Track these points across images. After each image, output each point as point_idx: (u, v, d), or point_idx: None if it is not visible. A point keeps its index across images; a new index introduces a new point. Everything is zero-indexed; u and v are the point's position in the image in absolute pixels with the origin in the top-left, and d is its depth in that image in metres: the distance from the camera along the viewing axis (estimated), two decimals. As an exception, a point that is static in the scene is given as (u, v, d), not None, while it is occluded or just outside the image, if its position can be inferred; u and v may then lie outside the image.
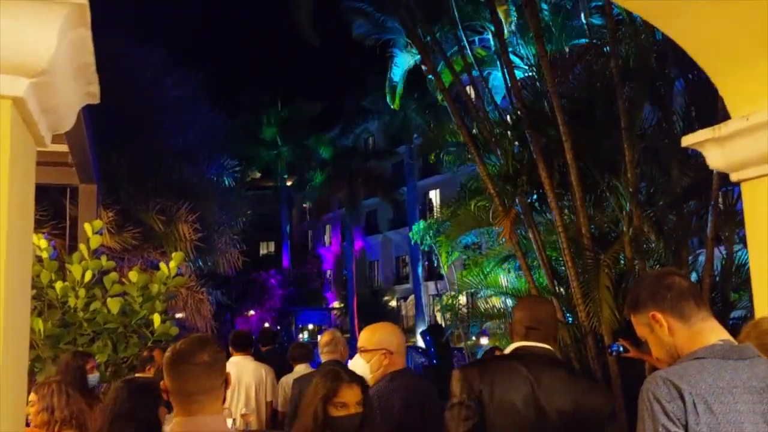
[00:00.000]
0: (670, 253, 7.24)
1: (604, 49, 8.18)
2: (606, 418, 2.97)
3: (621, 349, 5.44)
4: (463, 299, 14.15)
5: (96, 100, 2.43)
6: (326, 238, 47.28)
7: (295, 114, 38.63)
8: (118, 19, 13.81)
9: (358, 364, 3.35)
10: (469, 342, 17.00)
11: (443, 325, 19.42)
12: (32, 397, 3.80)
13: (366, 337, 3.40)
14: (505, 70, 8.88)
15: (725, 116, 3.18)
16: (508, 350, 3.17)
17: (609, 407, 3.01)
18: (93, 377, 5.27)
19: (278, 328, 35.33)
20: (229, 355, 6.61)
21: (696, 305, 2.11)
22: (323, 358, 5.55)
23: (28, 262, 2.23)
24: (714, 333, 2.09)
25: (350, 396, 2.76)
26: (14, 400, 1.99)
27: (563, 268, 7.54)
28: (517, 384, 2.92)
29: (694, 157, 7.02)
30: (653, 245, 7.36)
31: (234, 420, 5.82)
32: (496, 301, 9.67)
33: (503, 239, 8.09)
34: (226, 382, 2.30)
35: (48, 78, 1.90)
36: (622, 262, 7.08)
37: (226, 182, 18.91)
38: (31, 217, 2.23)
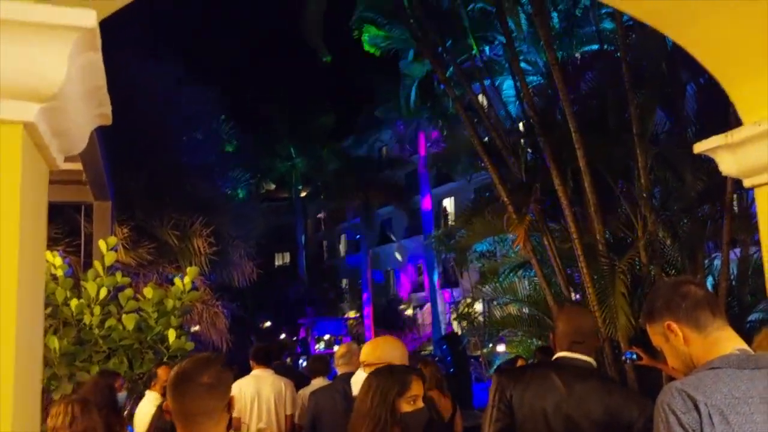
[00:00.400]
0: (685, 257, 7.20)
1: (615, 54, 8.16)
2: (639, 429, 2.94)
3: (634, 356, 5.47)
4: (479, 307, 14.09)
5: (108, 122, 2.44)
6: (341, 248, 47.34)
7: (309, 125, 38.77)
8: (129, 37, 13.92)
9: (361, 378, 3.35)
10: (485, 350, 16.93)
11: (459, 333, 19.37)
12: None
13: (368, 351, 3.40)
14: (516, 78, 8.88)
15: (737, 120, 3.15)
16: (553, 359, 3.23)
17: (642, 419, 2.94)
18: (121, 395, 5.33)
19: (294, 339, 35.33)
20: (250, 369, 6.65)
21: (712, 314, 2.08)
22: (339, 371, 5.54)
23: (40, 283, 2.25)
24: (730, 342, 2.05)
25: (419, 389, 2.69)
26: (28, 416, 2.00)
27: (578, 274, 7.51)
28: (548, 392, 2.99)
29: (707, 162, 6.97)
30: (668, 250, 7.32)
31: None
32: (512, 309, 9.63)
33: (518, 247, 8.06)
34: (230, 405, 2.28)
35: (59, 103, 1.92)
36: (638, 267, 7.04)
37: (240, 195, 18.99)
38: (43, 238, 2.25)
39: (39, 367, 2.20)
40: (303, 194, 43.09)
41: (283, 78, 55.40)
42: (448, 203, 36.27)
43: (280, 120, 39.06)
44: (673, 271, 7.31)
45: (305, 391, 6.39)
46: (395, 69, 22.34)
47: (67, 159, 6.88)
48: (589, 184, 6.97)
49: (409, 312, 39.85)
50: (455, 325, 26.03)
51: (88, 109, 2.22)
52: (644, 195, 6.82)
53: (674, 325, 2.10)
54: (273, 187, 44.21)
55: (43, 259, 2.28)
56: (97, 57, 2.03)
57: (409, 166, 35.81)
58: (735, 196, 6.83)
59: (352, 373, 5.26)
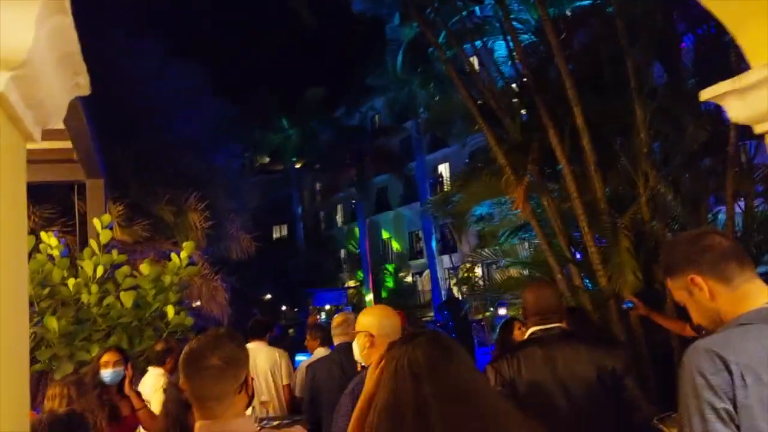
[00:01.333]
0: (688, 211, 7.10)
1: (607, 9, 7.99)
2: (622, 374, 3.26)
3: (630, 305, 5.73)
4: (479, 271, 14.03)
5: (86, 92, 2.31)
6: (338, 218, 47.30)
7: (301, 97, 38.48)
8: (117, 12, 13.69)
9: (354, 347, 3.36)
10: (487, 313, 16.92)
11: (460, 298, 19.38)
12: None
13: (357, 319, 3.43)
14: (509, 37, 8.70)
15: (738, 70, 3.03)
16: (526, 335, 3.53)
17: (621, 364, 3.31)
18: (106, 373, 4.92)
19: (296, 310, 35.43)
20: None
21: (739, 266, 1.93)
22: (335, 341, 5.50)
23: (22, 263, 2.13)
24: (760, 295, 1.90)
25: None
26: (15, 400, 1.91)
27: (579, 233, 7.41)
28: (539, 366, 3.26)
29: (708, 114, 6.88)
30: (671, 205, 7.21)
31: (253, 408, 5.76)
32: (513, 272, 9.55)
33: (518, 209, 7.94)
34: (246, 384, 2.16)
35: (29, 70, 1.79)
36: (641, 223, 6.94)
37: (235, 168, 18.86)
38: (23, 215, 2.13)
39: (25, 348, 2.09)
40: (298, 166, 42.92)
41: (272, 50, 54.77)
42: (444, 169, 36.15)
43: (271, 92, 38.76)
44: (677, 226, 7.22)
45: (305, 363, 6.37)
46: (384, 35, 22.04)
47: (58, 137, 6.68)
48: (587, 142, 6.84)
49: (409, 279, 39.96)
50: (455, 291, 26.10)
51: (62, 77, 2.09)
52: (644, 150, 6.69)
53: (698, 279, 1.95)
54: (267, 160, 44.06)
55: (24, 235, 2.16)
56: (68, 20, 1.90)
57: (402, 133, 35.61)
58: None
59: (349, 343, 5.22)
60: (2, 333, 1.74)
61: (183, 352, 2.18)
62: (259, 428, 3.60)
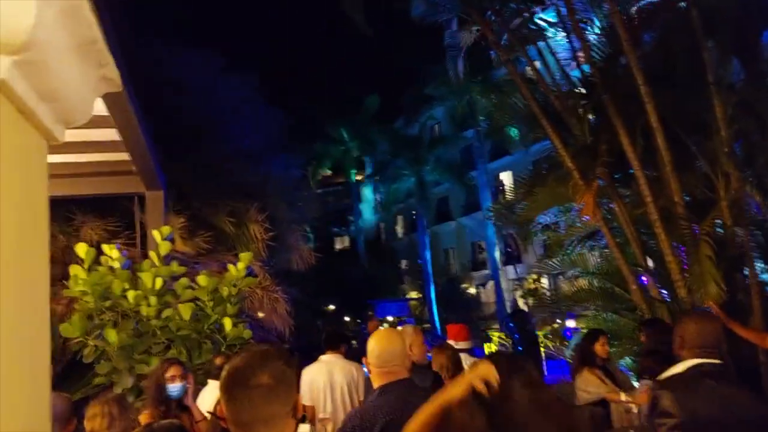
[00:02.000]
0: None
1: (679, 4, 7.57)
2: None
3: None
4: (545, 282, 13.58)
5: (116, 88, 2.11)
6: (398, 229, 47.14)
7: (360, 108, 38.56)
8: (171, 26, 13.79)
9: None
10: (555, 325, 16.41)
11: (526, 310, 18.84)
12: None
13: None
14: (573, 36, 8.34)
15: None
16: (684, 366, 3.43)
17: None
18: (173, 387, 4.91)
19: (358, 321, 35.34)
20: (311, 355, 6.46)
21: None
22: None
23: (43, 275, 1.90)
24: None
25: None
26: (33, 413, 1.70)
27: (653, 241, 6.97)
28: (717, 400, 3.22)
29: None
30: (755, 208, 6.71)
31: (313, 426, 5.52)
32: (583, 283, 9.11)
33: (586, 217, 7.52)
34: (296, 408, 1.90)
35: (36, 55, 1.57)
36: (720, 230, 6.46)
37: (295, 180, 18.82)
38: (44, 223, 1.92)
39: (45, 361, 1.86)
40: (358, 178, 43.06)
41: (329, 61, 55.21)
42: (506, 177, 35.65)
43: (330, 104, 39.09)
44: (760, 233, 6.72)
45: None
46: (442, 45, 21.70)
47: (117, 149, 6.57)
48: (662, 141, 6.40)
49: (472, 291, 39.45)
50: (521, 302, 25.54)
51: (83, 68, 1.87)
52: (725, 149, 6.21)
53: None
54: (329, 172, 44.39)
55: (45, 244, 1.94)
56: (82, 2, 1.69)
57: (463, 142, 35.26)
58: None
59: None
60: (15, 346, 1.53)
61: (225, 370, 1.92)
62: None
